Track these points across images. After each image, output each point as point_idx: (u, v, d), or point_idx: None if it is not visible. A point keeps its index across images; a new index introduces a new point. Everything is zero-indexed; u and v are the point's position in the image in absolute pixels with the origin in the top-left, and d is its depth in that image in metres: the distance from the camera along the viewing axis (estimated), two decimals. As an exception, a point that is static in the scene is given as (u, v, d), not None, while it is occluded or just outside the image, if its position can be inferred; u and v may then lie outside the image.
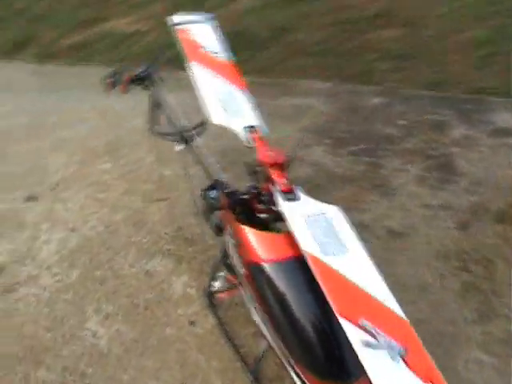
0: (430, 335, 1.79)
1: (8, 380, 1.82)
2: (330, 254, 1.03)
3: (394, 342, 0.91)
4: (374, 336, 0.91)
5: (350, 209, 2.16)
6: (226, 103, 1.49)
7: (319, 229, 1.08)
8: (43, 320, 2.05)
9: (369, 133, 3.19)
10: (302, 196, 1.22)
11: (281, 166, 1.28)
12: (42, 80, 4.98)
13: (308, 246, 1.04)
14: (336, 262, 1.01)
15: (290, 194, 1.21)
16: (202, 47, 1.70)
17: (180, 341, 1.88)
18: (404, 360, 0.89)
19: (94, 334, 1.95)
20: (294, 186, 1.25)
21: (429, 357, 0.93)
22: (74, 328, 1.99)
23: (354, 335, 0.91)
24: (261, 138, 1.42)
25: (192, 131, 1.74)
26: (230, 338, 1.77)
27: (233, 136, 1.52)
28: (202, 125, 1.74)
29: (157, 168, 3.00)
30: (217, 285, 1.81)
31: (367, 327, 0.92)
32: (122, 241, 2.43)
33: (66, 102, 4.24)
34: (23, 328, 2.02)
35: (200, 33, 1.76)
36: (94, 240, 2.46)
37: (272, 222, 1.36)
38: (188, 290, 2.10)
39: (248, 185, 1.45)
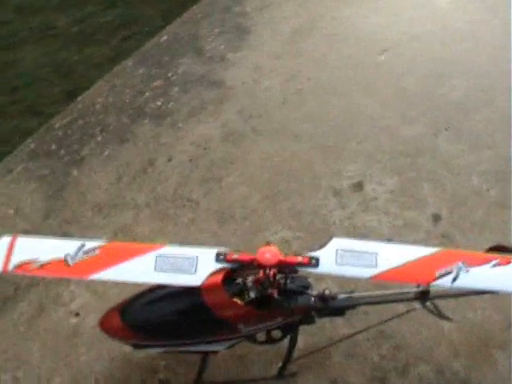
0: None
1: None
2: (158, 267, 1.28)
3: None
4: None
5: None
6: (353, 255, 1.42)
7: (180, 265, 1.30)
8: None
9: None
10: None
11: (259, 266, 1.34)
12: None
13: (164, 248, 1.32)
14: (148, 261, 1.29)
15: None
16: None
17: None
18: None
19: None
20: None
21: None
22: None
23: None
24: (297, 258, 1.38)
25: None
26: None
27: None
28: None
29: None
30: None
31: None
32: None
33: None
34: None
35: None
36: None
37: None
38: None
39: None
